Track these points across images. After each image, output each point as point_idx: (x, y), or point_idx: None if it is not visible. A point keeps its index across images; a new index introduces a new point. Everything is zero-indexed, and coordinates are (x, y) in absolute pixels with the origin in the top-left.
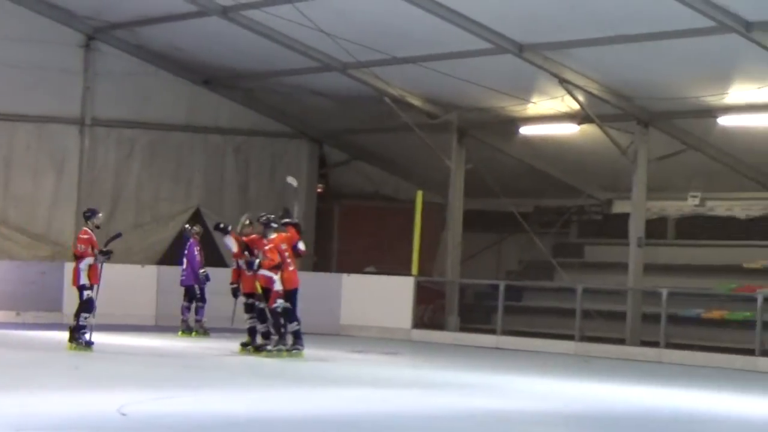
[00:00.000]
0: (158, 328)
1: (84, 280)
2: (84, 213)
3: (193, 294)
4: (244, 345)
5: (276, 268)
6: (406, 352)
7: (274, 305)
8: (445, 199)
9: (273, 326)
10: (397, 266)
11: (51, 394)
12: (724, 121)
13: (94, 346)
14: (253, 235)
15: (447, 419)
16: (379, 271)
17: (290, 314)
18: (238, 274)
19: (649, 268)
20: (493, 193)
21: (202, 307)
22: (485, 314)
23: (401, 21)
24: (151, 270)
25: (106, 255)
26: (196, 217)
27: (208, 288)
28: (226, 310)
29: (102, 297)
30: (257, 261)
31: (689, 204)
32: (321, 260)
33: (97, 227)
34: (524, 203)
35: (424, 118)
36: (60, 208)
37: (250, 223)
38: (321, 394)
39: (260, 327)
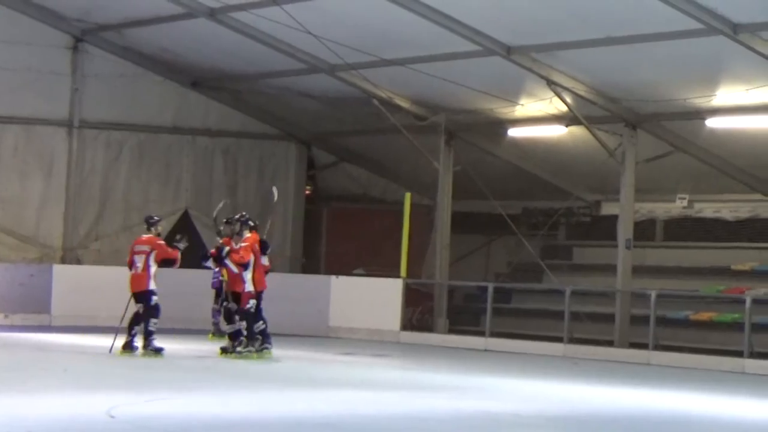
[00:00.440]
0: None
1: (153, 285)
2: (148, 219)
3: (218, 295)
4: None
5: (244, 267)
6: (395, 354)
7: (247, 306)
8: (433, 201)
9: (246, 328)
10: (385, 268)
11: (39, 397)
12: (712, 123)
13: (163, 352)
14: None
15: (436, 421)
16: (368, 273)
17: (257, 315)
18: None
19: (638, 270)
20: (482, 195)
21: (218, 311)
22: (474, 316)
23: (389, 23)
24: None
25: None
26: (185, 219)
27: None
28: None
29: (90, 300)
30: (226, 249)
31: (677, 206)
32: (310, 262)
33: (158, 235)
34: (513, 205)
35: (412, 120)
36: (48, 211)
37: (227, 222)
38: (310, 396)
39: (226, 328)
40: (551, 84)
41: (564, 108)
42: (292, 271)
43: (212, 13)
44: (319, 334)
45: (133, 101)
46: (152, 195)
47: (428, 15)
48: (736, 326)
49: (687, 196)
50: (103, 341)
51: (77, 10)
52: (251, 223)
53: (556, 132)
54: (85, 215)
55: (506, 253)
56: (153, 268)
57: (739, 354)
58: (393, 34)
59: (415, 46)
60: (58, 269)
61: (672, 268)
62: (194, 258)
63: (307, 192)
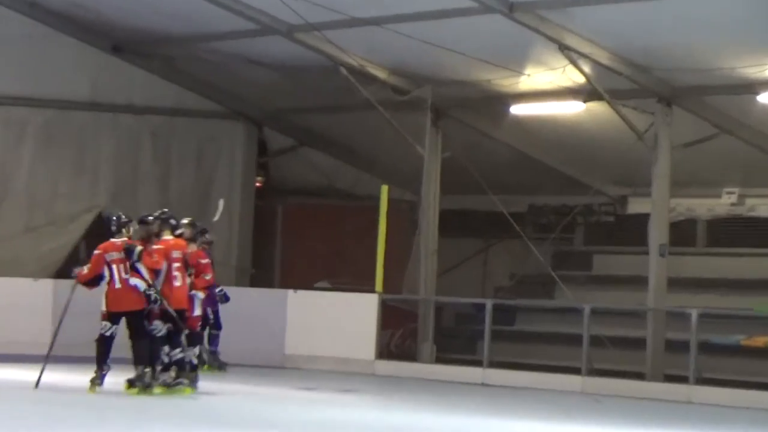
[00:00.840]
0: (53, 359)
1: None
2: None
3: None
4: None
5: (156, 274)
6: (368, 389)
7: (152, 327)
8: (416, 196)
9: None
10: (356, 280)
11: None
12: (767, 98)
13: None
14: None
15: None
16: (334, 287)
17: (173, 339)
18: None
19: (675, 283)
20: (478, 188)
21: (217, 336)
22: (468, 341)
23: None
24: (46, 285)
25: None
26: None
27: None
28: None
29: None
30: (137, 249)
31: (724, 202)
32: (260, 272)
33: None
34: (517, 201)
35: (390, 94)
36: None
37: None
38: None
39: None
40: (564, 49)
41: (581, 79)
42: (238, 284)
43: None
44: (273, 364)
45: (40, 70)
46: (62, 188)
47: None
48: None
49: (736, 191)
50: (9, 374)
51: None
52: (173, 222)
53: (572, 109)
54: None
55: (509, 262)
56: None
57: None
58: None
59: (395, 2)
60: None
61: (717, 280)
62: None
63: (258, 184)
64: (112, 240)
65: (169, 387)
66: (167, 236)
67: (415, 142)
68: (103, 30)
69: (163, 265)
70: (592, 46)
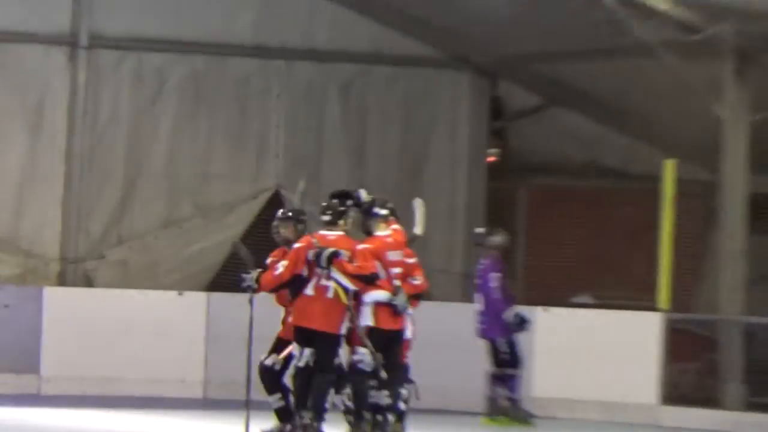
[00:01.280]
0: (208, 403)
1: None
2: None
3: (496, 353)
4: None
5: (365, 282)
6: None
7: (355, 358)
8: (714, 175)
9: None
10: (629, 293)
11: None
12: None
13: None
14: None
15: None
16: (599, 303)
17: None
18: None
19: None
20: None
21: (514, 377)
22: None
23: None
24: (196, 300)
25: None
26: (274, 205)
27: None
28: None
29: (110, 349)
30: (330, 251)
31: None
32: None
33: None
34: None
35: (675, 34)
36: (35, 193)
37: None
38: None
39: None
40: None
41: None
42: (463, 298)
43: None
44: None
45: (186, 3)
46: (216, 165)
47: None
48: None
49: None
50: (156, 429)
51: None
52: (381, 213)
53: None
54: (99, 201)
55: None
56: None
57: None
58: None
59: None
60: (53, 295)
61: None
62: None
63: (491, 158)
64: (323, 233)
65: None
66: (383, 230)
67: (712, 100)
68: None
69: (378, 270)
70: None
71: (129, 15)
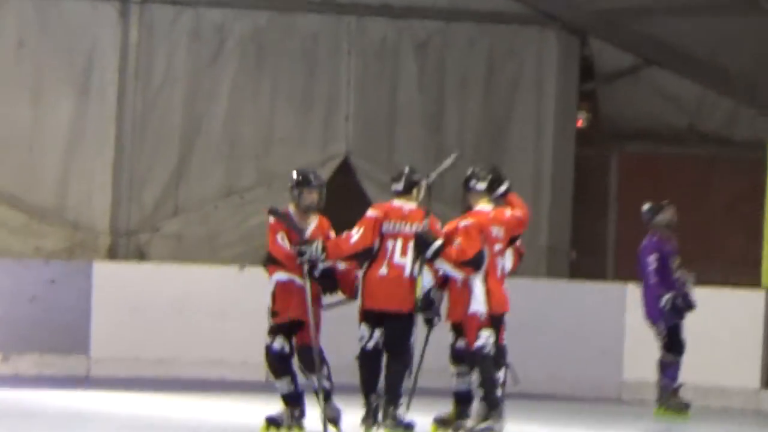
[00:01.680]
0: (271, 386)
1: None
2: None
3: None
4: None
5: (474, 266)
6: None
7: (478, 344)
8: None
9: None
10: (731, 272)
11: None
12: None
13: None
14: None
15: None
16: (698, 281)
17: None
18: None
19: None
20: None
21: (673, 364)
22: None
23: None
24: (260, 274)
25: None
26: (344, 173)
27: None
28: None
29: (165, 329)
30: (436, 244)
31: None
32: (584, 257)
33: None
34: None
35: None
36: (84, 160)
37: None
38: None
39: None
40: None
41: None
42: (550, 274)
43: None
44: (605, 395)
45: None
46: (280, 129)
47: None
48: None
49: None
50: (216, 414)
51: None
52: (479, 188)
53: None
54: (153, 168)
55: None
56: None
57: None
58: None
59: None
60: (103, 271)
61: None
62: None
63: (581, 122)
64: (395, 203)
65: None
66: (480, 204)
67: None
68: None
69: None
70: None
71: None
